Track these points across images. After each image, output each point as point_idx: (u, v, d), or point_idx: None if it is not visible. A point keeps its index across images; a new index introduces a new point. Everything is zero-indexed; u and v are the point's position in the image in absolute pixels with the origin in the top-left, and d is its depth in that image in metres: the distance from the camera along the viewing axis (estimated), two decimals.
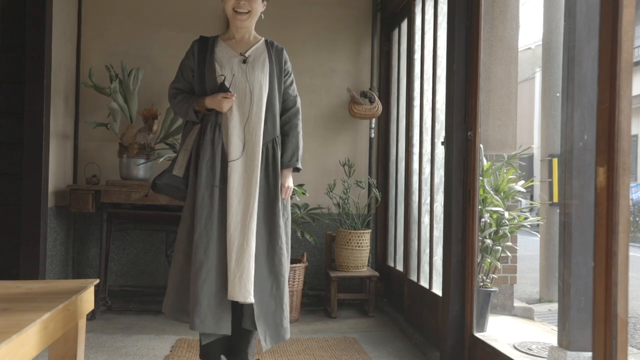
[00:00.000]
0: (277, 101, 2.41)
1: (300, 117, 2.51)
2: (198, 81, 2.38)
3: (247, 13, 2.36)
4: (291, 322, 3.58)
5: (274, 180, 2.37)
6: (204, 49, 2.39)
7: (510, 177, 3.06)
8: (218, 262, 2.25)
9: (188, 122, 2.43)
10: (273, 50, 2.44)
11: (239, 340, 2.39)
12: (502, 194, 3.01)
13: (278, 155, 2.40)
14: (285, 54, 2.48)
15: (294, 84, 2.52)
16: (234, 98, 2.29)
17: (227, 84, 2.31)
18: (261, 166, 2.33)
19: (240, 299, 2.23)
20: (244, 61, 2.37)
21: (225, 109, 2.30)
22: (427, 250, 3.20)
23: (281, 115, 2.45)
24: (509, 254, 3.14)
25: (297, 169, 2.49)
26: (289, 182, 2.44)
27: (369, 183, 4.14)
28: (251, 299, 2.23)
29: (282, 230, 2.36)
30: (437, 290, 2.99)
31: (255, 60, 2.38)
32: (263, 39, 2.47)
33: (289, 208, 2.48)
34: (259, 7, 2.40)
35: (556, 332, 2.39)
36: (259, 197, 2.31)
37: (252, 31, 2.46)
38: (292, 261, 3.77)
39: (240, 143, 2.31)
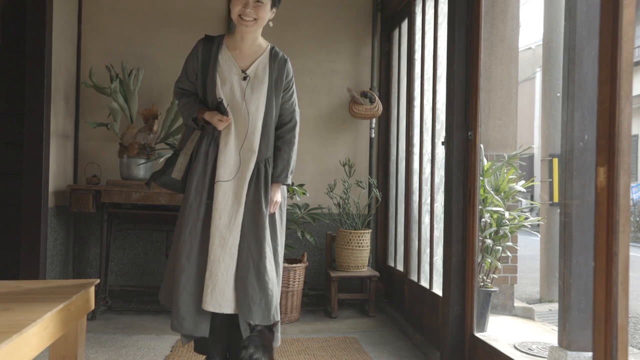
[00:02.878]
0: (273, 121, 2.40)
1: (296, 132, 2.46)
2: (200, 88, 2.39)
3: (253, 20, 2.30)
4: (291, 322, 3.59)
5: (266, 200, 2.35)
6: (208, 53, 2.36)
7: (511, 177, 3.06)
8: (198, 271, 2.29)
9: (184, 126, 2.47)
10: (276, 63, 2.39)
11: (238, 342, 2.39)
12: (502, 193, 3.01)
13: (270, 174, 2.39)
14: (289, 66, 2.43)
15: (294, 97, 2.47)
16: (229, 122, 2.30)
17: (225, 104, 2.31)
18: (252, 185, 2.34)
19: (210, 309, 2.26)
20: (244, 78, 2.34)
21: (220, 128, 2.32)
22: (428, 250, 3.20)
23: (276, 129, 2.43)
24: (509, 254, 3.14)
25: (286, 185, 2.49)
26: (277, 196, 2.42)
27: (369, 183, 4.14)
28: (223, 310, 2.26)
29: (269, 248, 2.34)
30: (438, 290, 2.99)
31: (255, 79, 2.35)
32: (268, 47, 2.42)
33: (285, 216, 2.49)
34: (267, 15, 2.33)
35: (556, 332, 2.39)
36: (250, 215, 2.32)
37: (258, 39, 2.40)
38: (293, 261, 3.77)
39: (234, 166, 2.31)
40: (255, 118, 2.33)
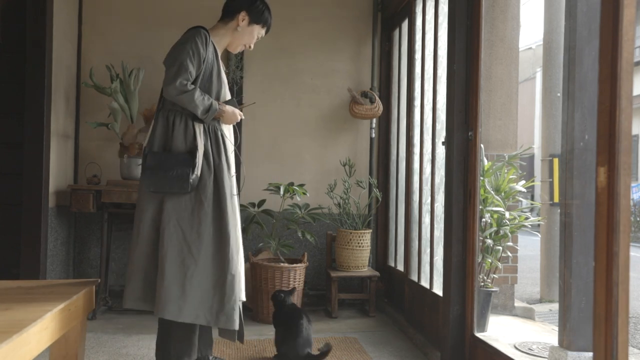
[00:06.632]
0: None
1: None
2: (201, 82, 2.32)
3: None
4: None
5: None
6: (213, 48, 2.38)
7: (511, 177, 3.06)
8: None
9: (180, 118, 2.30)
10: None
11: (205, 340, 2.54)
12: (502, 193, 3.01)
13: None
14: None
15: None
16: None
17: (246, 103, 2.43)
18: None
19: (243, 298, 2.43)
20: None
21: (233, 123, 2.46)
22: (428, 250, 3.20)
23: None
24: (509, 254, 3.14)
25: None
26: None
27: (369, 183, 4.14)
28: (244, 298, 2.44)
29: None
30: (438, 290, 2.99)
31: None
32: None
33: None
34: None
35: (557, 332, 2.39)
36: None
37: None
38: (293, 261, 3.77)
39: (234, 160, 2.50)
40: None
